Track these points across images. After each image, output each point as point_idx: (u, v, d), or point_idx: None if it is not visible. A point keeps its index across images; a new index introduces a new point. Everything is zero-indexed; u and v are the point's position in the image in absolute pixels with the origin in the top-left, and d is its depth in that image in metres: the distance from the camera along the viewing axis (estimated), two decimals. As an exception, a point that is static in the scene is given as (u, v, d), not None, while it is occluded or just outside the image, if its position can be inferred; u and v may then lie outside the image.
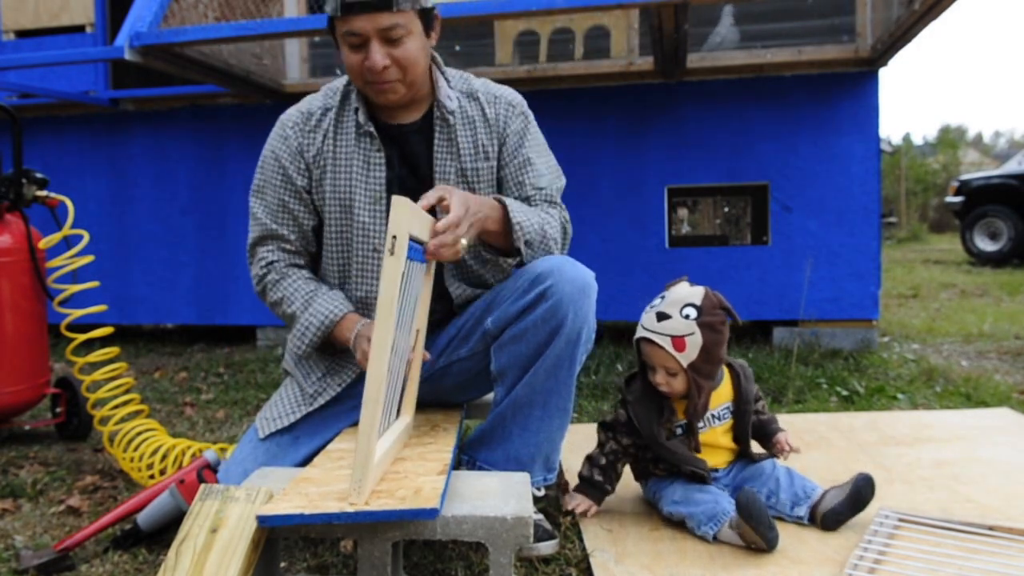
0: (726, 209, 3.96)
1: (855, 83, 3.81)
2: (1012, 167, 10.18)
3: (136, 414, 2.27)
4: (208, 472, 1.68)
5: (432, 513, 1.19)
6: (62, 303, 2.40)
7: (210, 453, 1.75)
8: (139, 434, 2.16)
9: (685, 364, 1.64)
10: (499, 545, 1.24)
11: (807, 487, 1.71)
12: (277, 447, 1.67)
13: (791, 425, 2.34)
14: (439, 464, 1.39)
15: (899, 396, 2.94)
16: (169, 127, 4.49)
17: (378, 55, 1.54)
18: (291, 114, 1.73)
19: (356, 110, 1.68)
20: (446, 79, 1.73)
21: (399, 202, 1.19)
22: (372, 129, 1.67)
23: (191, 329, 5.07)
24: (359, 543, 1.24)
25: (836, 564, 1.51)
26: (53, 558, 1.59)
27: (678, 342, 1.64)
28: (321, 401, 1.70)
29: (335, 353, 1.73)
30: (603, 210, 4.03)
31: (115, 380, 2.30)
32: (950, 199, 9.87)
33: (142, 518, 1.68)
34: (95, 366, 2.33)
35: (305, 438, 1.69)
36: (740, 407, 1.75)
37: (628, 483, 1.86)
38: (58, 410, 2.65)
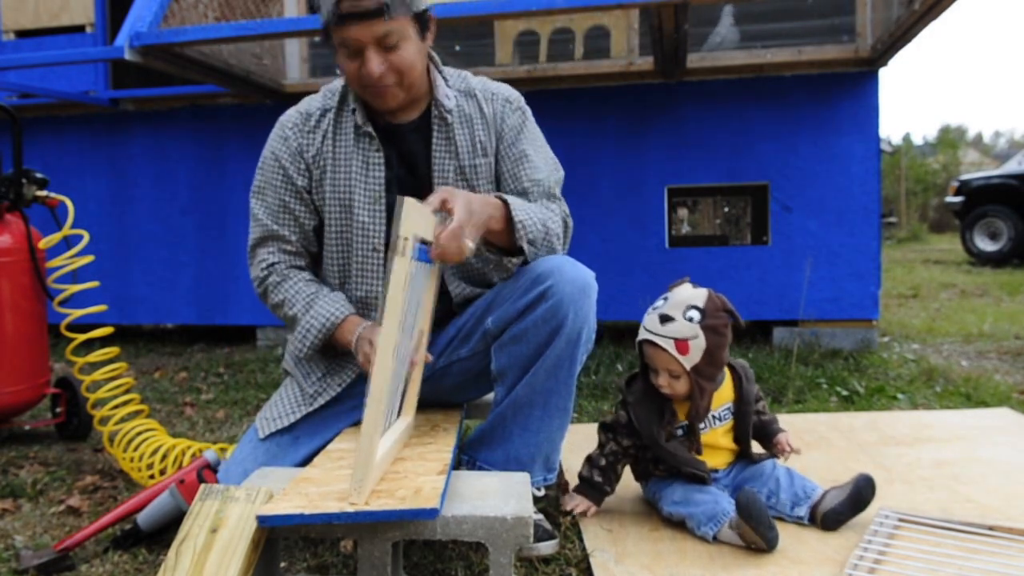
0: (726, 209, 3.96)
1: (855, 83, 3.81)
2: (1012, 167, 10.18)
3: (136, 414, 2.27)
4: (208, 472, 1.68)
5: (432, 513, 1.19)
6: (62, 303, 2.40)
7: (210, 453, 1.75)
8: (139, 434, 2.16)
9: (688, 367, 1.64)
10: (499, 545, 1.24)
11: (807, 487, 1.71)
12: (277, 447, 1.67)
13: (791, 425, 2.34)
14: (439, 464, 1.39)
15: (899, 396, 2.94)
16: (169, 127, 4.49)
17: (374, 63, 1.54)
18: (290, 115, 1.74)
19: (353, 111, 1.68)
20: (444, 78, 1.73)
21: (408, 203, 1.19)
22: (370, 129, 1.67)
23: (191, 329, 5.07)
24: (359, 543, 1.24)
25: (836, 564, 1.51)
26: (53, 558, 1.59)
27: (681, 345, 1.64)
28: (321, 401, 1.70)
29: (336, 354, 1.73)
30: (603, 210, 4.03)
31: (115, 380, 2.30)
32: (950, 199, 9.88)
33: (142, 518, 1.68)
34: (95, 366, 2.33)
35: (305, 438, 1.69)
36: (741, 408, 1.75)
37: (628, 483, 1.86)
38: (58, 410, 2.65)
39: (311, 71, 4.32)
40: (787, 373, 3.22)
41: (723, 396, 1.74)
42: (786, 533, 1.61)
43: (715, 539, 1.61)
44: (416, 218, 1.22)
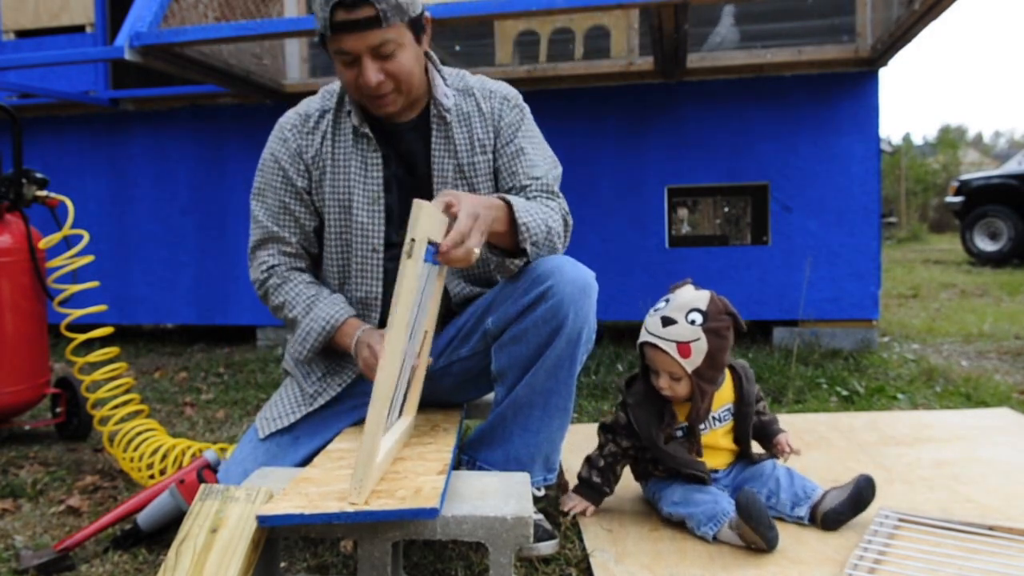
0: (726, 209, 3.96)
1: (855, 83, 3.81)
2: (1012, 167, 10.18)
3: (136, 414, 2.27)
4: (208, 472, 1.68)
5: (432, 513, 1.19)
6: (62, 303, 2.40)
7: (210, 453, 1.75)
8: (139, 434, 2.16)
9: (690, 370, 1.64)
10: (499, 545, 1.24)
11: (807, 487, 1.71)
12: (277, 447, 1.67)
13: (791, 425, 2.34)
14: (439, 464, 1.39)
15: (899, 396, 2.94)
16: (169, 127, 4.49)
17: (371, 72, 1.54)
18: (289, 117, 1.74)
19: (349, 113, 1.68)
20: (442, 77, 1.72)
21: (420, 205, 1.20)
22: (367, 130, 1.67)
23: (191, 329, 5.07)
24: (359, 543, 1.24)
25: (836, 564, 1.51)
26: (53, 558, 1.59)
27: (683, 348, 1.63)
28: (321, 401, 1.70)
29: (336, 355, 1.73)
30: (603, 210, 4.03)
31: (115, 380, 2.30)
32: (950, 199, 9.88)
33: (142, 518, 1.68)
34: (95, 366, 2.33)
35: (305, 438, 1.69)
36: (741, 408, 1.75)
37: (628, 483, 1.86)
38: (58, 410, 2.65)
39: (311, 71, 4.32)
40: (787, 373, 3.22)
41: (723, 397, 1.74)
42: (786, 533, 1.61)
43: (715, 539, 1.61)
44: (427, 221, 1.23)
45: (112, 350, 2.36)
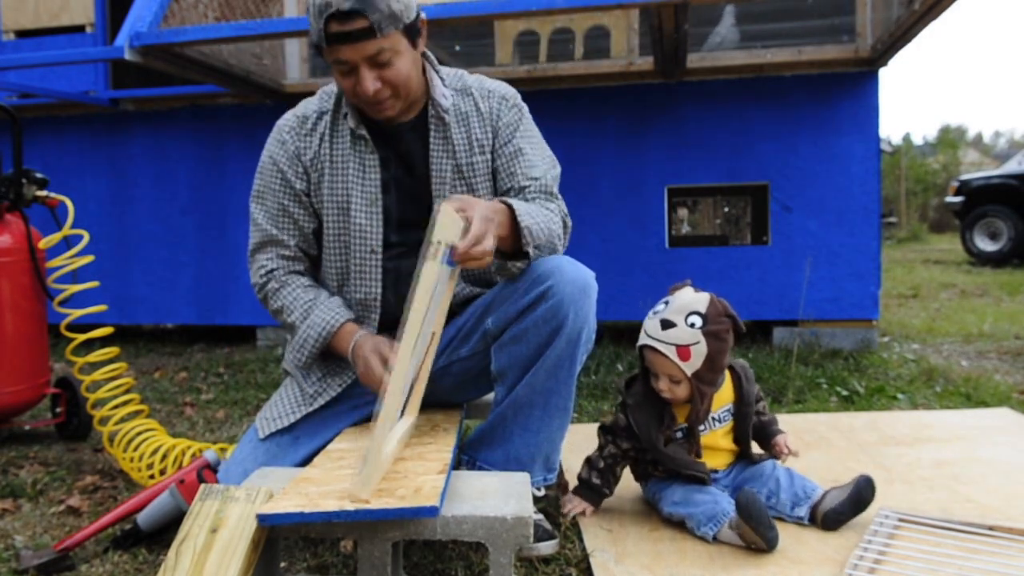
0: (726, 209, 3.96)
1: (855, 83, 3.81)
2: (1012, 167, 10.18)
3: (136, 414, 2.27)
4: (208, 472, 1.68)
5: (432, 511, 1.19)
6: (62, 303, 2.40)
7: (210, 453, 1.75)
8: (139, 434, 2.16)
9: (689, 373, 1.64)
10: (499, 545, 1.24)
11: (807, 487, 1.71)
12: (277, 447, 1.67)
13: (791, 425, 2.34)
14: (439, 464, 1.39)
15: (899, 396, 2.94)
16: (169, 127, 4.49)
17: (368, 81, 1.54)
18: (287, 119, 1.74)
19: (345, 115, 1.68)
20: (440, 77, 1.72)
21: (445, 210, 1.23)
22: (364, 133, 1.67)
23: (191, 329, 5.07)
24: (359, 543, 1.24)
25: (836, 564, 1.51)
26: (53, 558, 1.59)
27: (683, 351, 1.63)
28: (321, 401, 1.71)
29: (335, 356, 1.73)
30: (603, 210, 4.03)
31: (115, 380, 2.30)
32: (950, 199, 9.88)
33: (142, 518, 1.68)
34: (95, 366, 2.33)
35: (305, 438, 1.69)
36: (741, 409, 1.75)
37: (628, 483, 1.86)
38: (58, 410, 2.65)
39: (311, 71, 4.32)
40: (787, 373, 3.22)
41: (723, 397, 1.74)
42: (786, 533, 1.61)
43: (715, 539, 1.61)
44: (450, 224, 1.26)
45: (112, 350, 2.36)
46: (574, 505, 1.77)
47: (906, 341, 4.18)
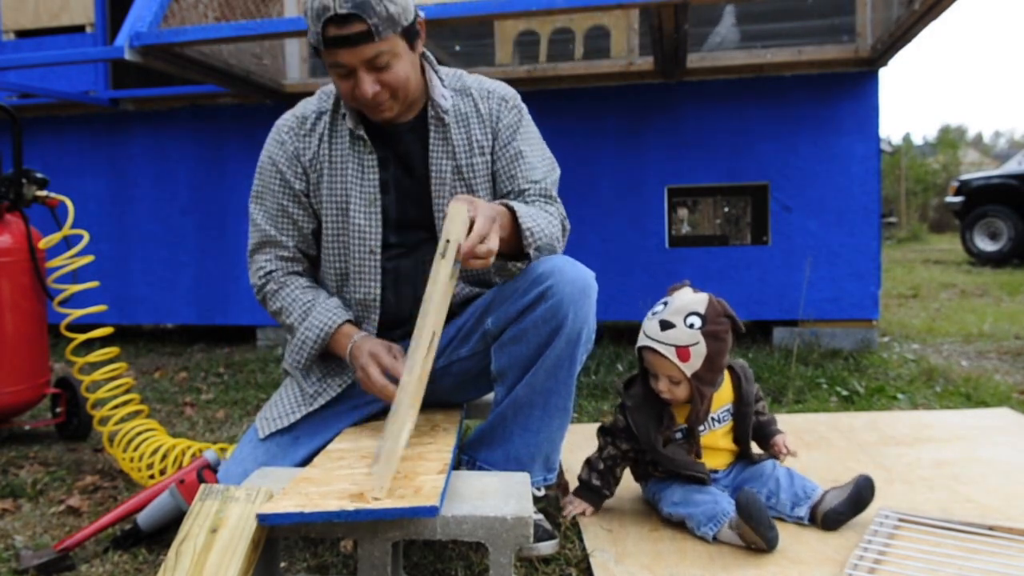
0: (726, 209, 3.96)
1: (855, 83, 3.81)
2: (1012, 167, 10.18)
3: (136, 414, 2.27)
4: (208, 472, 1.68)
5: (432, 511, 1.19)
6: (62, 303, 2.40)
7: (210, 453, 1.75)
8: (139, 434, 2.16)
9: (689, 374, 1.64)
10: (499, 545, 1.24)
11: (807, 487, 1.71)
12: (277, 447, 1.67)
13: (791, 425, 2.34)
14: (439, 464, 1.39)
15: (899, 396, 2.94)
16: (169, 127, 4.49)
17: (367, 84, 1.54)
18: (286, 119, 1.74)
19: (344, 116, 1.68)
20: (440, 78, 1.72)
21: (455, 208, 1.25)
22: (363, 133, 1.66)
23: (191, 329, 5.07)
24: (359, 543, 1.24)
25: (836, 564, 1.51)
26: (53, 558, 1.59)
27: (682, 352, 1.63)
28: (321, 401, 1.70)
29: (335, 357, 1.73)
30: (603, 210, 4.03)
31: (115, 380, 2.30)
32: (950, 199, 9.88)
33: (142, 518, 1.68)
34: (95, 366, 2.33)
35: (305, 438, 1.69)
36: (741, 409, 1.75)
37: (628, 483, 1.86)
38: (58, 410, 2.65)
39: (311, 71, 4.32)
40: (787, 373, 3.22)
41: (722, 397, 1.74)
42: (786, 533, 1.61)
43: (715, 539, 1.61)
44: (461, 223, 1.29)
45: (112, 350, 2.36)
46: (574, 506, 1.77)
47: (906, 341, 4.18)
